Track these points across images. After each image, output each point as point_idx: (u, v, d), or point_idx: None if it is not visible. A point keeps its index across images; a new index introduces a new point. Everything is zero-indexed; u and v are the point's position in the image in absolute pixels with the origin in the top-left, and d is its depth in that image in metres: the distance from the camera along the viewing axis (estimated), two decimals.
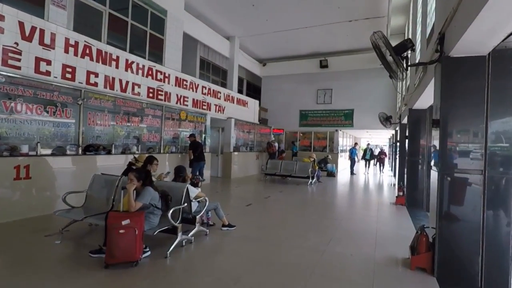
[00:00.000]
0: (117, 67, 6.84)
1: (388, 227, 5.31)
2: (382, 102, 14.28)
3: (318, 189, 9.54)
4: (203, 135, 9.82)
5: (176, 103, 8.80)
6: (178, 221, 3.62)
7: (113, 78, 6.76)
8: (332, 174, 13.16)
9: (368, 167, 16.06)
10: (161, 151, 8.04)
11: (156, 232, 3.36)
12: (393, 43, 3.56)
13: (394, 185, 11.17)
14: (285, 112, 16.71)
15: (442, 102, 3.02)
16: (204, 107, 10.09)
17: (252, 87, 18.59)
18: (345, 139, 18.67)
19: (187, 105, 9.21)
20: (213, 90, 10.68)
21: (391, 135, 22.48)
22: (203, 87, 10.05)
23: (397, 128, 11.92)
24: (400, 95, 12.13)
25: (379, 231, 4.93)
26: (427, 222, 4.33)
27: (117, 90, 6.83)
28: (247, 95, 15.19)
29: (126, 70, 7.10)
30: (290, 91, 16.68)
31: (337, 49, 14.78)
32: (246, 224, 4.93)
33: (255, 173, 13.07)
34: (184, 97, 9.11)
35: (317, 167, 10.75)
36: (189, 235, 3.87)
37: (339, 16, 10.97)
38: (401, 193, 7.05)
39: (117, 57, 6.85)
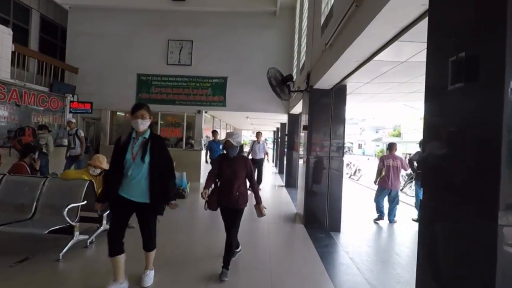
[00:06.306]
0: None
1: None
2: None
3: None
4: None
5: None
6: None
7: None
8: (181, 194, 6.66)
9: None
10: None
11: None
12: None
13: (298, 215, 5.60)
14: (111, 77, 9.13)
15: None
16: None
17: (59, 32, 9.99)
18: (217, 128, 12.54)
19: None
20: None
21: (277, 128, 17.59)
22: None
23: (301, 103, 6.40)
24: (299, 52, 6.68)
25: None
26: None
27: None
28: (46, 43, 6.38)
29: None
30: (121, 41, 9.21)
31: None
32: None
33: None
34: None
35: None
36: None
37: None
38: None
39: None
